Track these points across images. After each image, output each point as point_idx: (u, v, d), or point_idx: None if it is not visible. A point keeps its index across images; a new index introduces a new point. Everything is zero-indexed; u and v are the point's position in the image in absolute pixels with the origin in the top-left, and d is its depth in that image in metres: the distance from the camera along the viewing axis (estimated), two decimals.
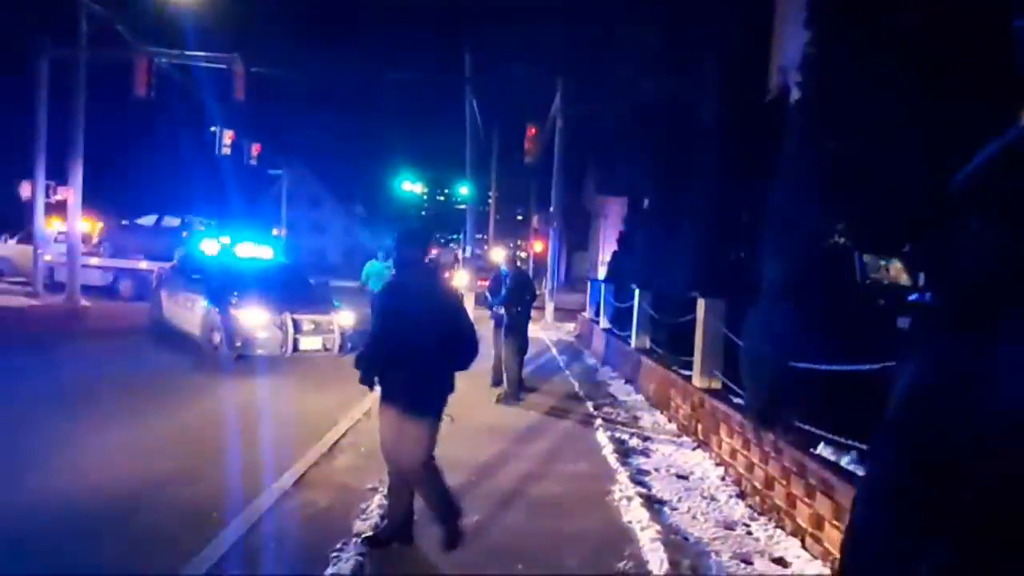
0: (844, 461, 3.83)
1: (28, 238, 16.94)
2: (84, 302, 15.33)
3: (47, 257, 16.38)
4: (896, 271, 4.83)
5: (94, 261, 17.18)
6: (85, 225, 17.52)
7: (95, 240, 18.49)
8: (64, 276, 15.96)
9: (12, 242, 18.59)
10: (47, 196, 16.28)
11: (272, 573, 3.41)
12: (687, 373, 6.87)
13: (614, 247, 14.16)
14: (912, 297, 4.41)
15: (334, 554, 3.50)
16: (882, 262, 4.80)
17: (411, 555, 3.64)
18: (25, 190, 16.58)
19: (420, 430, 3.53)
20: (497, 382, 8.37)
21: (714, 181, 7.53)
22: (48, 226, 16.67)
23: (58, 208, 16.57)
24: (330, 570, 3.33)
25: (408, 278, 3.68)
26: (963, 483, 0.79)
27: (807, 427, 4.25)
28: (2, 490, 4.05)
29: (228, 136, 20.65)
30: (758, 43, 8.58)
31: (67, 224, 16.29)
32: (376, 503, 4.23)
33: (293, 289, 10.12)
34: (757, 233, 5.49)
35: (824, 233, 4.42)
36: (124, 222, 19.34)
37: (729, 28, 8.50)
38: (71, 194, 15.94)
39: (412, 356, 3.45)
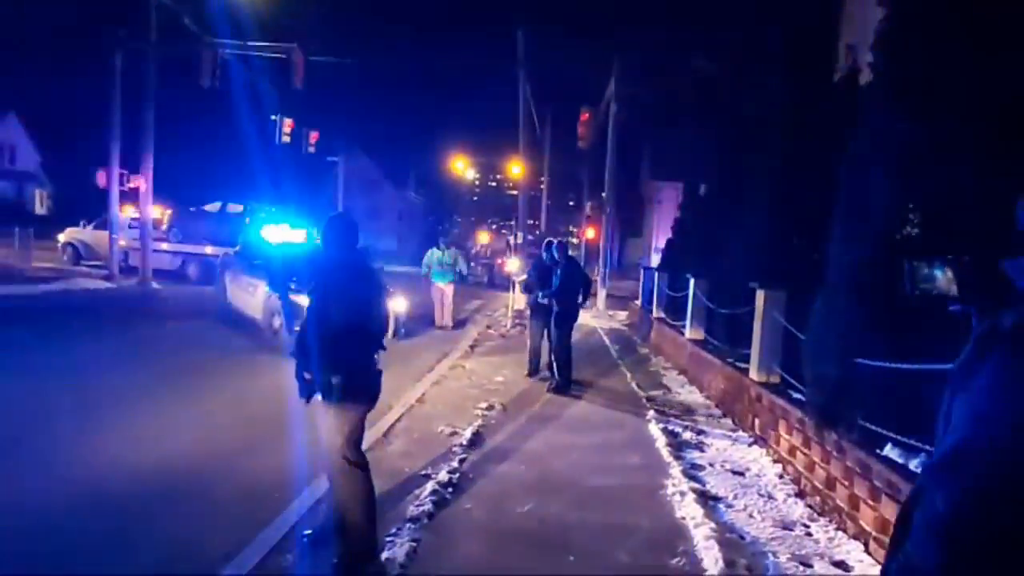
0: (913, 464, 3.64)
1: (104, 224, 17.89)
2: (155, 285, 16.12)
3: (122, 242, 17.27)
4: (947, 282, 4.45)
5: (164, 246, 18.00)
6: (156, 212, 18.33)
7: (165, 226, 19.34)
8: (137, 260, 16.81)
9: (90, 228, 19.66)
10: (121, 184, 17.13)
11: (327, 557, 3.51)
12: (744, 366, 6.68)
13: (668, 234, 13.85)
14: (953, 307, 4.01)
15: (388, 539, 3.57)
16: (936, 271, 4.42)
17: (462, 543, 3.68)
18: (101, 179, 17.49)
19: (331, 419, 3.28)
20: (534, 371, 8.38)
21: (777, 165, 7.24)
22: (122, 213, 17.54)
23: (131, 195, 17.42)
24: (385, 555, 3.40)
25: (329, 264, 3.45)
26: None
27: (872, 427, 4.07)
28: (95, 457, 4.32)
29: (288, 124, 21.19)
30: (825, 21, 8.16)
31: (139, 210, 17.12)
32: (429, 489, 4.29)
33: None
34: (822, 221, 5.24)
35: (897, 222, 4.18)
36: (191, 209, 20.15)
37: (794, 4, 8.11)
38: (143, 182, 16.73)
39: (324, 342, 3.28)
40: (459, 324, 13.12)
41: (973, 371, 0.85)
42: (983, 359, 0.84)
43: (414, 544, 3.53)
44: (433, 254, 12.58)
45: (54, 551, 3.27)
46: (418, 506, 4.04)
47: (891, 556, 0.95)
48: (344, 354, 3.26)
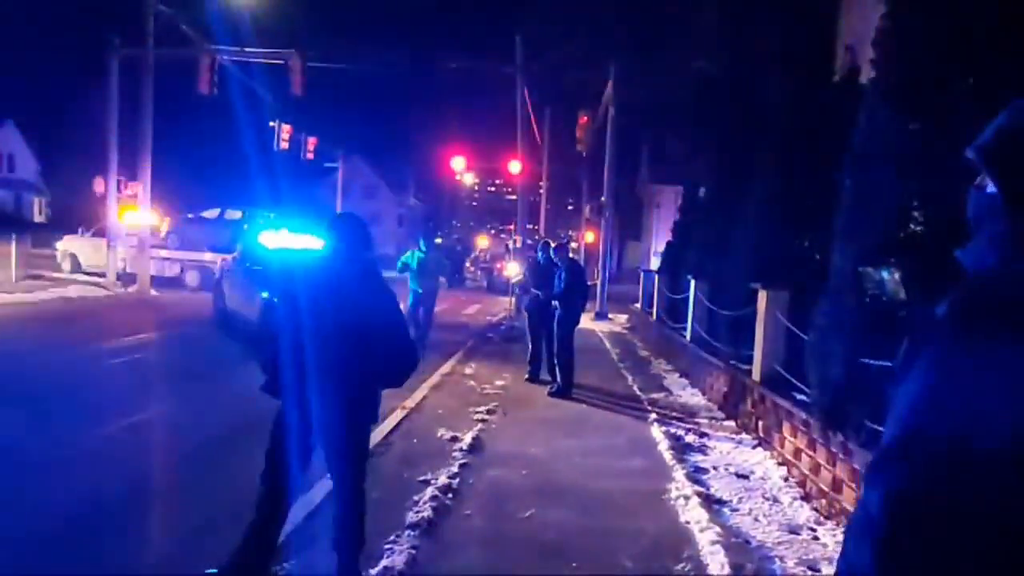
0: None
1: (102, 231, 17.85)
2: (154, 292, 16.06)
3: (120, 250, 17.22)
4: (895, 284, 4.36)
5: (162, 253, 17.95)
6: (154, 218, 18.29)
7: (163, 233, 19.30)
8: (135, 268, 16.75)
9: (88, 235, 19.61)
10: (119, 191, 17.10)
11: (326, 563, 3.43)
12: (746, 368, 6.62)
13: (667, 237, 13.80)
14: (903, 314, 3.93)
15: (387, 546, 3.50)
16: (883, 274, 4.33)
17: (462, 550, 3.61)
18: (99, 185, 17.46)
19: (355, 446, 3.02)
20: (535, 375, 8.31)
21: (776, 166, 7.20)
22: (120, 220, 17.50)
23: (129, 202, 17.37)
24: (384, 562, 3.33)
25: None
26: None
27: (879, 428, 4.00)
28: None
29: (286, 131, 21.22)
30: (825, 21, 8.14)
31: (137, 218, 17.07)
32: (428, 495, 4.22)
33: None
34: (824, 220, 5.19)
35: (900, 220, 4.12)
36: (189, 215, 20.12)
37: (791, 5, 8.09)
38: (140, 189, 16.69)
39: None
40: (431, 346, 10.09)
41: (908, 365, 0.82)
42: (918, 351, 0.81)
43: (413, 551, 3.46)
44: (414, 255, 10.46)
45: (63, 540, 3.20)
46: (417, 512, 3.97)
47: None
48: (345, 392, 2.81)
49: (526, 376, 8.36)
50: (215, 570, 2.96)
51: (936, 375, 0.78)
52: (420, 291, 10.14)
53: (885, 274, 4.31)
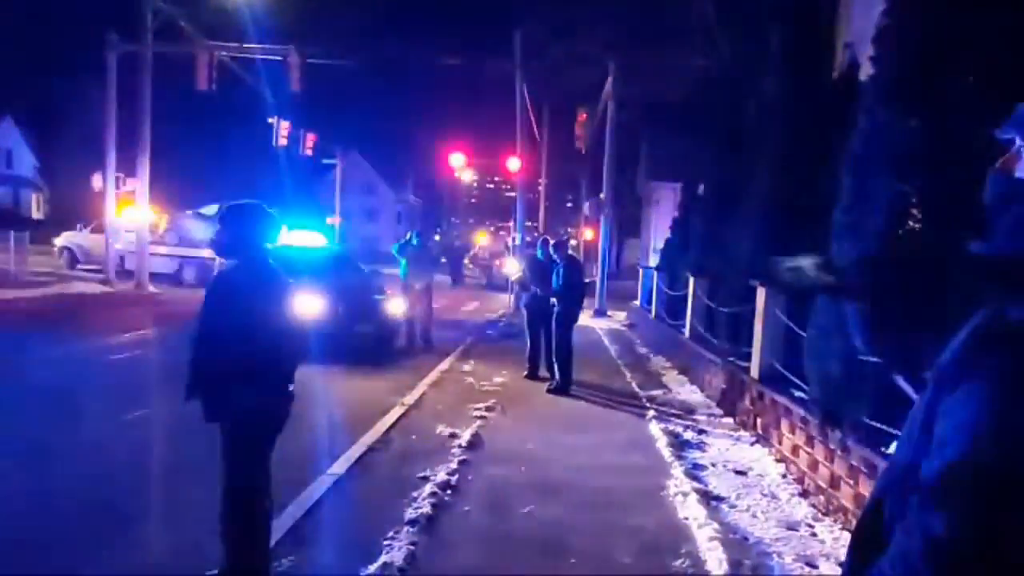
0: None
1: (101, 228, 17.82)
2: (152, 288, 16.04)
3: (118, 246, 17.20)
4: (812, 269, 4.34)
5: (161, 250, 17.93)
6: (152, 215, 18.26)
7: (161, 229, 19.28)
8: (134, 264, 16.73)
9: (86, 231, 19.59)
10: (117, 187, 17.06)
11: (326, 559, 3.44)
12: (745, 364, 6.62)
13: (666, 234, 13.81)
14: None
15: (386, 542, 3.50)
16: (801, 261, 4.32)
17: (461, 546, 3.62)
18: (97, 181, 17.43)
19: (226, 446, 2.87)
20: (534, 371, 8.31)
21: (775, 163, 7.20)
22: (118, 216, 17.48)
23: (128, 198, 17.34)
24: (383, 558, 3.34)
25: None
26: None
27: (877, 424, 4.01)
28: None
29: (284, 127, 21.16)
30: (824, 19, 8.13)
31: (135, 214, 17.05)
32: (427, 491, 4.22)
33: (346, 276, 10.27)
34: (822, 217, 5.20)
35: (900, 217, 4.13)
36: (188, 211, 20.09)
37: (791, 3, 8.08)
38: (139, 185, 16.66)
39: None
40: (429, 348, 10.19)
41: (968, 371, 0.74)
42: (980, 359, 0.74)
43: (412, 547, 3.47)
44: (406, 247, 10.25)
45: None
46: (416, 509, 3.97)
47: (856, 571, 0.86)
48: (235, 395, 2.71)
49: (525, 373, 8.37)
50: (215, 571, 2.93)
51: (1006, 397, 0.68)
52: (408, 284, 10.18)
53: (804, 261, 4.31)
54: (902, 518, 0.79)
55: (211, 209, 19.55)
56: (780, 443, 5.39)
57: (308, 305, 8.94)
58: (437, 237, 39.12)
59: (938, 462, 0.74)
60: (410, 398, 6.78)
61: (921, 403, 0.85)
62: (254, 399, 2.75)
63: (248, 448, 2.86)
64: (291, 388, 2.93)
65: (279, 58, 16.78)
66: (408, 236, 10.75)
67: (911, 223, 4.26)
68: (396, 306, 9.89)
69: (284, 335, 2.85)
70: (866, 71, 5.05)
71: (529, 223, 24.80)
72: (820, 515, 4.29)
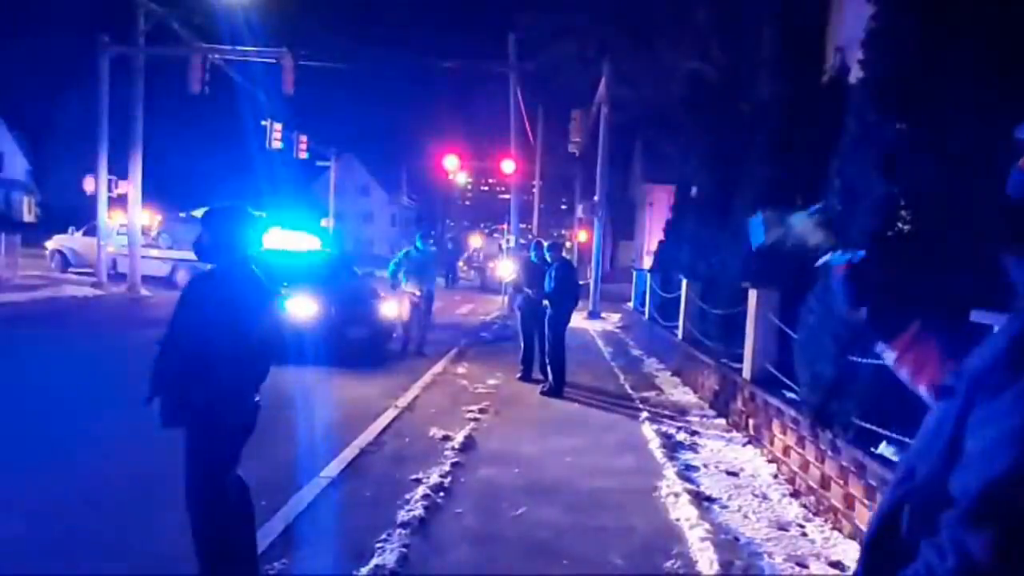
0: None
1: (92, 230, 17.74)
2: (144, 291, 15.97)
3: (110, 248, 17.12)
4: (806, 230, 4.29)
5: (153, 252, 17.85)
6: (145, 218, 18.20)
7: (154, 232, 19.20)
8: (126, 267, 16.66)
9: (78, 234, 19.48)
10: (109, 190, 17.00)
11: (318, 562, 3.44)
12: (737, 366, 6.66)
13: (660, 236, 13.85)
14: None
15: (379, 545, 3.51)
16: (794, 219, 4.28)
17: (453, 548, 3.62)
18: (89, 184, 17.36)
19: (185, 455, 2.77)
20: (527, 374, 8.32)
21: (767, 165, 7.25)
22: (110, 219, 17.40)
23: (120, 201, 17.28)
24: (375, 560, 3.34)
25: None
26: None
27: (867, 425, 4.04)
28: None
29: (277, 129, 21.13)
30: (813, 22, 8.20)
31: (127, 217, 16.99)
32: (420, 494, 4.23)
33: (340, 279, 10.26)
34: None
35: (889, 218, 4.16)
36: (181, 214, 20.01)
37: (782, 6, 8.14)
38: (131, 188, 16.60)
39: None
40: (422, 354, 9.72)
41: (1009, 379, 0.70)
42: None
43: (404, 549, 3.47)
44: (408, 254, 9.88)
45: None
46: (409, 511, 3.97)
47: None
48: (192, 399, 2.65)
49: (518, 375, 8.38)
50: None
51: None
52: (418, 293, 9.74)
53: (796, 218, 4.28)
54: (928, 534, 0.74)
55: (204, 212, 19.52)
56: (772, 444, 5.42)
57: (301, 308, 8.99)
58: (431, 245, 39.02)
59: (978, 477, 0.69)
60: (403, 400, 6.78)
61: (945, 412, 0.80)
62: (212, 404, 2.65)
63: (207, 458, 2.73)
64: (257, 399, 2.84)
65: (272, 60, 16.74)
66: (405, 250, 10.11)
67: (900, 224, 4.31)
68: (390, 309, 9.88)
69: (251, 344, 2.73)
70: (856, 74, 5.10)
71: (523, 225, 24.83)
72: (811, 515, 4.32)
